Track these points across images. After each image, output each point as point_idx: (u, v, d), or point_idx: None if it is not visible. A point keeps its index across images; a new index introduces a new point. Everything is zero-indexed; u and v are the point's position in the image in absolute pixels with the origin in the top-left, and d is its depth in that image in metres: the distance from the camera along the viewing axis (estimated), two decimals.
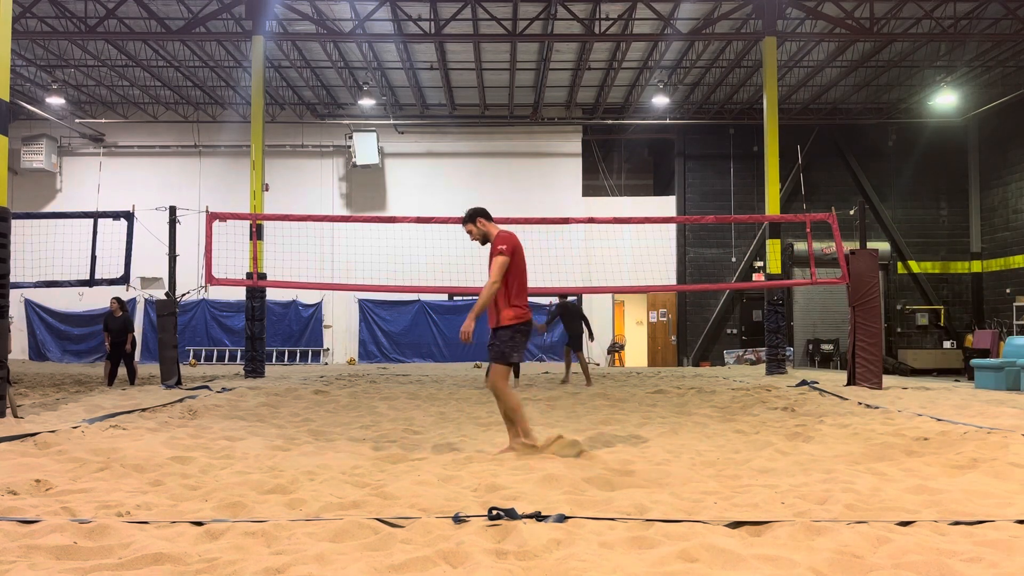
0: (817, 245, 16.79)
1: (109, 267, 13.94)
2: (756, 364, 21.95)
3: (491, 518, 3.87)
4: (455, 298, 23.13)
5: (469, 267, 15.73)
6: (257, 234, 15.66)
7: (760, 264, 22.44)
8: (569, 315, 14.60)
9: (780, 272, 17.51)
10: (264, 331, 16.58)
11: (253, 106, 17.03)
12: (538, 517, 3.92)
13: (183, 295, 15.32)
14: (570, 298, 15.91)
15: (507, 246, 6.21)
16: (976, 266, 23.64)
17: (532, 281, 17.36)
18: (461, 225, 6.52)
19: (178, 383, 13.15)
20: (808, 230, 14.39)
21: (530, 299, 20.69)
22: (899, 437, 6.83)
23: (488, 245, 6.42)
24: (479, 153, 24.19)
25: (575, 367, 15.16)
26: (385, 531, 3.76)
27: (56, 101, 21.82)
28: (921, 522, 3.89)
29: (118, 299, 14.44)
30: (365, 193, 23.82)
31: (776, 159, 17.23)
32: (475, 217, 6.42)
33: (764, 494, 4.61)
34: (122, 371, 14.51)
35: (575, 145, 24.26)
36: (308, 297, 23.30)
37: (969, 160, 23.81)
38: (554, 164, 24.12)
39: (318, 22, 17.44)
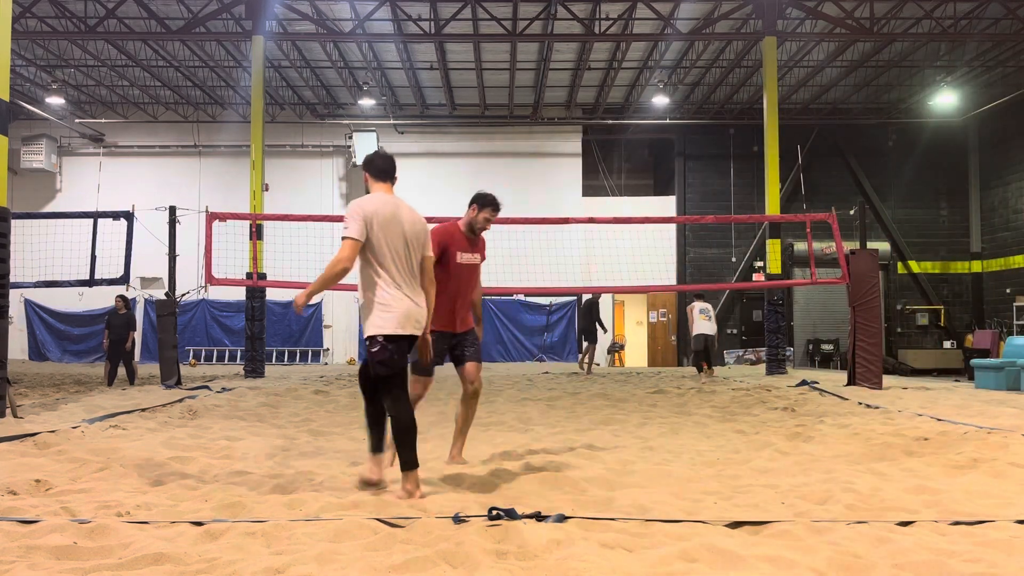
0: (817, 245, 16.78)
1: (109, 267, 13.96)
2: (756, 364, 21.95)
3: (491, 518, 3.87)
4: None
5: None
6: (257, 234, 15.66)
7: (760, 264, 22.44)
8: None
9: (780, 272, 17.50)
10: (264, 331, 16.57)
11: (253, 106, 17.03)
12: (538, 517, 3.91)
13: (183, 295, 15.32)
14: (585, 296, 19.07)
15: None
16: (976, 266, 23.64)
17: (532, 281, 17.16)
18: (491, 215, 5.79)
19: (178, 383, 13.15)
20: (808, 230, 14.39)
21: (532, 299, 20.98)
22: (899, 437, 6.83)
23: (477, 237, 5.91)
24: (479, 153, 24.18)
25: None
26: (385, 531, 3.76)
27: (56, 101, 21.82)
28: (921, 522, 3.89)
29: (123, 296, 14.52)
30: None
31: (776, 159, 17.22)
32: None
33: (764, 494, 4.61)
34: (122, 371, 14.53)
35: (575, 145, 24.25)
36: None
37: (969, 160, 23.81)
38: (554, 164, 24.11)
39: (318, 22, 17.44)
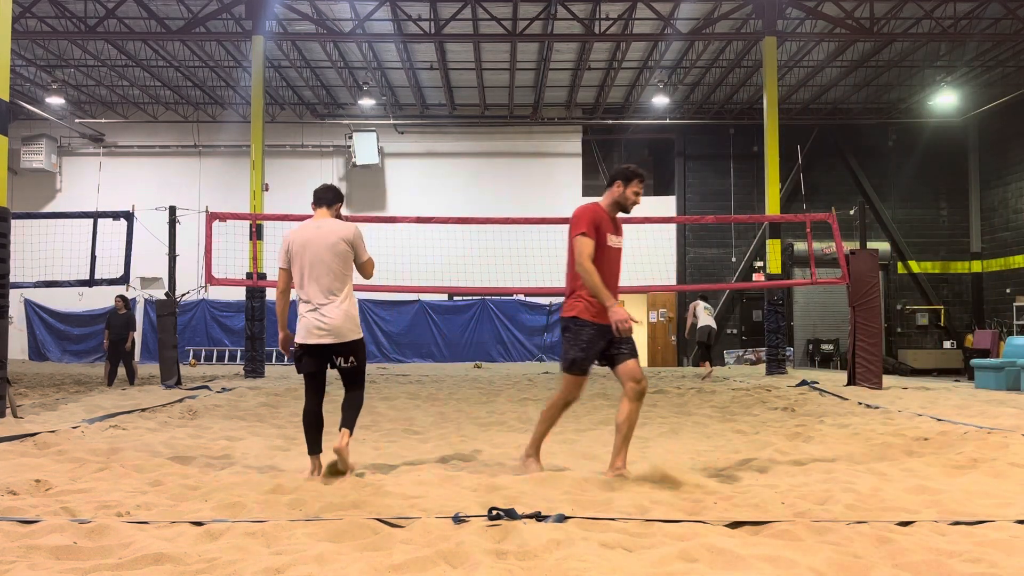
0: (817, 245, 16.79)
1: (109, 267, 13.95)
2: (756, 364, 21.95)
3: (491, 518, 3.87)
4: (455, 298, 23.13)
5: (469, 267, 15.72)
6: (257, 234, 15.66)
7: (760, 264, 22.44)
8: None
9: (780, 272, 17.50)
10: (264, 331, 16.56)
11: (253, 106, 17.03)
12: (538, 517, 3.91)
13: (183, 295, 15.32)
14: None
15: None
16: (976, 266, 23.64)
17: (532, 281, 17.24)
18: (640, 188, 5.27)
19: (178, 383, 13.15)
20: (808, 230, 14.39)
21: (532, 299, 20.92)
22: (899, 437, 6.83)
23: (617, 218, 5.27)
24: (479, 153, 24.18)
25: None
26: (385, 531, 3.76)
27: (56, 101, 21.82)
28: (921, 522, 3.89)
29: (123, 296, 14.52)
30: (365, 193, 23.81)
31: (776, 159, 17.22)
32: None
33: (764, 494, 4.61)
34: (122, 371, 14.52)
35: (575, 145, 24.25)
36: None
37: (969, 160, 23.81)
38: (554, 164, 24.11)
39: (318, 22, 17.44)
